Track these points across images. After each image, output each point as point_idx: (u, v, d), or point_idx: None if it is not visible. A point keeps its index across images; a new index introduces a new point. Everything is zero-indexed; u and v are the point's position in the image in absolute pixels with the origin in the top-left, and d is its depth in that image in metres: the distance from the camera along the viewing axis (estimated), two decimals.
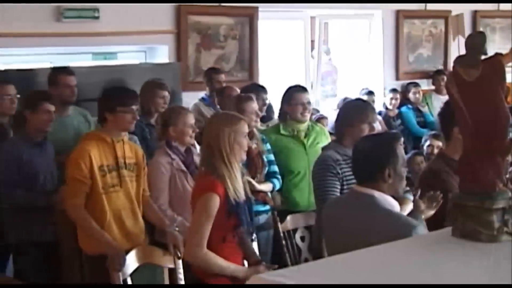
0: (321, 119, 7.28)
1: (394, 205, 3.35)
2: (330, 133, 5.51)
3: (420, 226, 3.20)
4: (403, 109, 8.86)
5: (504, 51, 8.52)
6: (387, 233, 2.78)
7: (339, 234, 3.35)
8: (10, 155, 4.90)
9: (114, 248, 4.07)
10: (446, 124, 4.06)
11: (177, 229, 4.27)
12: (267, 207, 5.15)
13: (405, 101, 8.96)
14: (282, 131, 5.41)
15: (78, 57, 6.95)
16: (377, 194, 3.30)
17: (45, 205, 4.90)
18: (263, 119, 6.19)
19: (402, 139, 3.67)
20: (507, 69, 2.44)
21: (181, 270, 3.92)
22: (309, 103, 5.43)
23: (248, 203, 3.79)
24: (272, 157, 5.26)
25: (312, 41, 8.79)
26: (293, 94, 5.43)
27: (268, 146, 5.27)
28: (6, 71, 6.25)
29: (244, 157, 3.83)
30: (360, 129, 4.38)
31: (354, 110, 4.52)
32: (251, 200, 3.87)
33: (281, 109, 5.56)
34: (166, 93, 5.83)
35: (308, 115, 5.45)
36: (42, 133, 5.06)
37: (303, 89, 5.55)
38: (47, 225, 4.97)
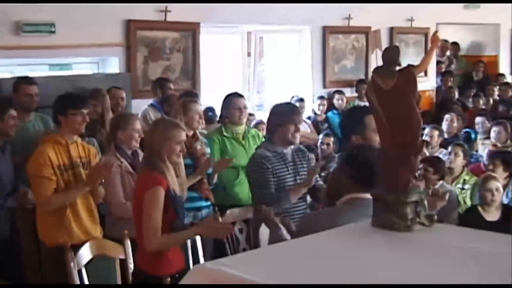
0: (259, 124, 7.24)
1: None
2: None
3: None
4: (330, 114, 8.94)
5: (416, 63, 8.67)
6: None
7: None
8: None
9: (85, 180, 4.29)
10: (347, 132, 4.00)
11: None
12: (209, 202, 5.18)
13: (331, 107, 9.06)
14: (224, 133, 5.49)
15: (36, 68, 6.85)
16: None
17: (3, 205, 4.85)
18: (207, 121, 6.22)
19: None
20: (418, 79, 2.48)
21: (131, 260, 3.90)
22: (245, 107, 5.54)
23: (183, 201, 3.83)
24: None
25: (249, 53, 8.82)
26: (231, 100, 5.53)
27: (209, 150, 5.29)
28: None
29: (176, 159, 3.81)
30: (288, 128, 4.49)
31: (282, 112, 4.62)
32: (183, 199, 3.88)
33: (221, 114, 5.67)
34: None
35: (244, 119, 5.56)
36: (6, 137, 4.99)
37: (239, 96, 5.65)
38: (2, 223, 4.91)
